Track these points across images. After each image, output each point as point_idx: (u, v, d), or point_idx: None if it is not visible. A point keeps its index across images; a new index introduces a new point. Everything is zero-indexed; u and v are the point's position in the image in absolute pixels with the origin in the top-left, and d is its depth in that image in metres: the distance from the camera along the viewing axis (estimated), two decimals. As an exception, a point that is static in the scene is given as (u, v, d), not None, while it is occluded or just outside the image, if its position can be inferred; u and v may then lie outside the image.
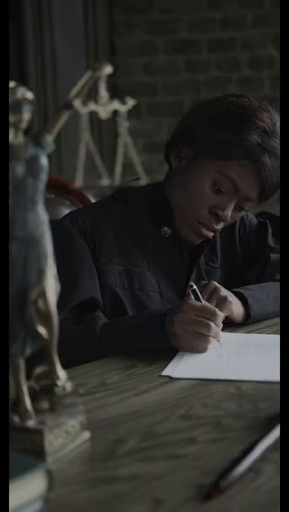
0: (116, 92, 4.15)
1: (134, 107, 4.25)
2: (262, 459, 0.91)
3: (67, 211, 1.71)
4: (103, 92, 0.83)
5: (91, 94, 0.86)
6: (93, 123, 3.64)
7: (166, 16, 4.20)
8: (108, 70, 0.84)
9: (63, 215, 1.63)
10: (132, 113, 4.24)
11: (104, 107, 0.92)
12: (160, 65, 4.24)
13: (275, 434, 0.94)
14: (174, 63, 4.24)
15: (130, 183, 0.95)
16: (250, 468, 0.89)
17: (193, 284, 1.37)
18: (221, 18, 4.21)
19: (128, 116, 4.21)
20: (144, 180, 0.91)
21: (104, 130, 3.96)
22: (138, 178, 0.91)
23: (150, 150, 4.14)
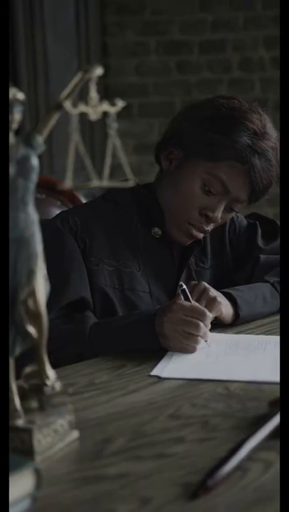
0: (107, 92, 4.15)
1: (125, 108, 4.25)
2: (249, 458, 0.92)
3: (57, 211, 1.71)
4: (93, 94, 0.83)
5: (82, 95, 0.87)
6: (85, 124, 3.66)
7: (158, 17, 4.20)
8: (99, 71, 0.85)
9: (54, 215, 1.63)
10: (123, 114, 4.25)
11: (94, 108, 0.91)
12: (151, 66, 4.25)
13: (263, 433, 0.95)
14: (165, 64, 4.25)
15: (119, 184, 0.95)
16: (238, 467, 0.90)
17: (183, 284, 1.38)
18: (213, 19, 4.22)
19: (119, 117, 4.22)
20: (132, 182, 0.91)
21: (95, 131, 3.97)
22: (126, 180, 0.91)
23: (141, 151, 4.15)
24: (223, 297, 1.49)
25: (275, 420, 0.98)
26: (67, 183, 0.80)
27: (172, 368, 1.29)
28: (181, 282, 1.40)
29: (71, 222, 1.53)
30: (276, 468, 0.91)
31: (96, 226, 1.55)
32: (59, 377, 1.01)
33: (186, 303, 1.35)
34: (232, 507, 0.83)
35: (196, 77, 4.23)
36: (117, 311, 1.51)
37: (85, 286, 1.48)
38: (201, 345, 1.35)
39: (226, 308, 1.48)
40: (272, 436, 0.97)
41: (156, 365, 1.30)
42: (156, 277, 1.59)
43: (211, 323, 1.41)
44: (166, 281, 1.59)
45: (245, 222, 1.74)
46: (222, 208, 1.54)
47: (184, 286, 1.38)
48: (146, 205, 1.59)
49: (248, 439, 0.93)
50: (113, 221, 1.58)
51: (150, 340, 1.34)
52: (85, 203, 1.77)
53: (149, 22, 4.21)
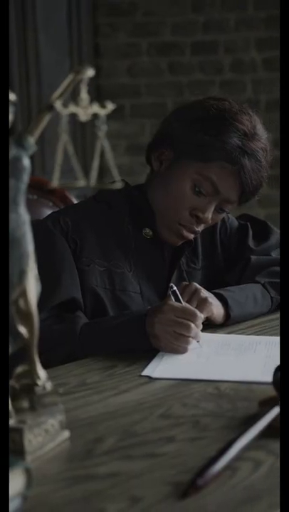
0: (99, 93, 4.16)
1: (117, 109, 4.26)
2: (239, 457, 0.93)
3: (49, 212, 1.71)
4: (84, 95, 0.84)
5: (73, 96, 0.87)
6: (77, 125, 3.65)
7: (150, 18, 4.21)
8: (90, 72, 0.86)
9: (45, 215, 1.64)
10: (115, 115, 4.26)
11: (85, 109, 0.91)
12: (143, 67, 4.26)
13: (252, 433, 0.96)
14: (157, 65, 4.26)
15: (106, 186, 0.96)
16: (227, 467, 0.90)
17: (173, 286, 1.38)
18: (204, 21, 4.23)
19: (111, 118, 4.22)
20: (119, 184, 0.92)
21: (87, 132, 3.97)
22: (114, 182, 0.92)
23: (133, 152, 4.15)
24: (214, 298, 1.50)
25: (265, 420, 0.98)
26: (54, 183, 0.80)
27: (163, 368, 1.29)
28: (171, 284, 1.40)
29: (62, 223, 1.53)
30: (265, 467, 0.92)
31: (87, 227, 1.55)
32: (50, 378, 1.02)
33: (177, 304, 1.36)
34: (222, 506, 0.84)
35: (187, 78, 4.24)
36: (108, 311, 1.52)
37: (76, 287, 1.48)
38: (193, 345, 1.36)
39: (217, 309, 1.49)
40: (261, 435, 0.97)
41: (147, 365, 1.30)
42: (148, 278, 1.59)
43: (203, 323, 1.42)
44: (157, 282, 1.60)
45: (236, 223, 1.75)
46: (212, 208, 1.54)
47: (175, 288, 1.38)
48: (137, 206, 1.60)
49: (238, 439, 0.93)
50: (104, 222, 1.58)
51: (141, 341, 1.35)
52: (76, 204, 1.77)
53: (140, 23, 4.22)
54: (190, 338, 1.34)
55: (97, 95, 4.13)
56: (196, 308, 1.43)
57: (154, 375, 1.26)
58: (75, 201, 1.93)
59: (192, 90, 4.11)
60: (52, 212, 1.64)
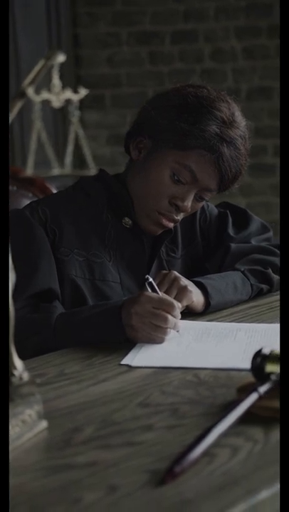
0: (80, 84, 4.14)
1: (98, 99, 4.24)
2: (217, 443, 0.93)
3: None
4: (56, 81, 0.83)
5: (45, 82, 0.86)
6: (56, 113, 3.63)
7: (129, 7, 4.19)
8: (61, 58, 0.85)
9: (24, 206, 1.62)
10: (96, 105, 4.24)
11: (57, 95, 0.92)
12: (123, 57, 4.24)
13: (230, 419, 0.96)
14: (137, 55, 4.24)
15: (80, 173, 0.95)
16: (205, 453, 0.90)
17: (149, 277, 1.37)
18: (184, 9, 4.22)
19: (92, 108, 4.20)
20: (94, 170, 0.91)
21: (66, 120, 3.94)
22: (88, 168, 0.91)
23: (114, 142, 4.14)
24: (194, 286, 1.49)
25: (243, 406, 0.98)
26: (28, 171, 0.79)
27: (143, 356, 1.29)
28: (147, 276, 1.39)
29: (40, 212, 1.52)
30: (243, 453, 0.92)
31: (66, 216, 1.54)
32: (29, 368, 1.02)
33: (154, 294, 1.35)
34: (199, 492, 0.84)
35: (168, 68, 4.23)
36: (87, 301, 1.51)
37: (54, 277, 1.47)
38: (172, 334, 1.35)
39: (196, 297, 1.49)
40: (240, 421, 0.97)
41: (126, 354, 1.30)
42: (127, 267, 1.58)
43: (183, 312, 1.41)
44: (137, 271, 1.59)
45: (216, 211, 1.75)
46: (191, 197, 1.54)
47: (151, 279, 1.37)
48: (116, 195, 1.59)
49: (216, 425, 0.93)
50: (83, 211, 1.57)
51: (116, 332, 1.34)
52: (55, 193, 1.76)
53: (120, 12, 4.20)
54: (167, 329, 1.33)
55: (78, 86, 4.11)
56: (175, 296, 1.43)
57: (134, 363, 1.26)
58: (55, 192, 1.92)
59: (173, 80, 4.10)
60: (30, 202, 1.62)
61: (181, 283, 1.45)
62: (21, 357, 1.00)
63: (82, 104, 4.11)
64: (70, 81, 3.70)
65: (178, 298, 1.42)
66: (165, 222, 1.56)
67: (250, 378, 1.08)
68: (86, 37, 4.19)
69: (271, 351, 1.07)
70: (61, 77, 3.92)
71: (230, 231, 1.72)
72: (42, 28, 3.92)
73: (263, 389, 1.02)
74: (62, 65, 3.75)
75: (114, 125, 4.18)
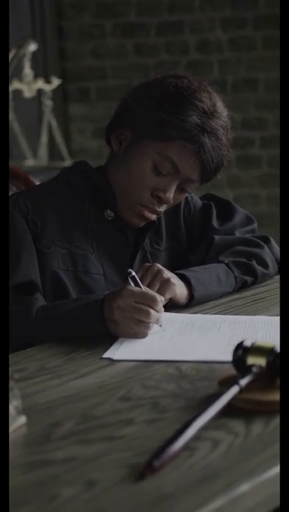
0: (65, 76, 4.11)
1: (84, 92, 4.21)
2: (197, 437, 0.92)
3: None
4: (27, 70, 0.81)
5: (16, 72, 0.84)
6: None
7: (114, -2, 4.17)
8: (32, 47, 0.83)
9: (5, 199, 1.61)
10: (81, 98, 4.21)
11: (29, 85, 0.91)
12: (108, 49, 4.21)
13: (210, 413, 0.95)
14: (122, 47, 4.22)
15: (55, 164, 0.93)
16: (186, 447, 0.89)
17: (132, 271, 1.36)
18: (169, 1, 4.19)
19: (77, 101, 4.18)
20: (68, 162, 0.89)
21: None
22: (63, 159, 0.90)
23: (100, 135, 4.10)
24: (177, 278, 1.48)
25: (224, 399, 0.97)
26: None
27: (125, 350, 1.28)
28: (130, 269, 1.37)
29: (22, 204, 1.51)
30: (224, 446, 0.91)
31: (48, 208, 1.53)
32: (10, 363, 1.00)
33: (136, 288, 1.33)
34: (179, 486, 0.83)
35: (153, 60, 4.21)
36: (70, 294, 1.49)
37: (35, 269, 1.46)
38: (155, 329, 1.34)
39: (180, 290, 1.48)
40: (220, 414, 0.96)
41: (109, 348, 1.28)
42: (111, 259, 1.57)
43: (166, 304, 1.40)
44: (120, 264, 1.58)
45: (200, 203, 1.74)
46: (174, 188, 1.52)
47: (133, 273, 1.36)
48: (98, 188, 1.58)
49: (196, 419, 0.92)
50: (65, 203, 1.56)
51: (98, 326, 1.32)
52: (37, 185, 1.74)
53: (104, 4, 4.17)
54: (150, 324, 1.32)
55: (62, 78, 4.08)
56: (158, 289, 1.41)
57: (116, 357, 1.25)
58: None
59: (159, 71, 4.08)
60: (12, 194, 1.60)
61: (164, 276, 1.44)
62: None
63: (68, 97, 4.08)
64: (56, 74, 3.66)
65: (161, 291, 1.41)
66: (147, 214, 1.54)
67: (232, 371, 1.07)
68: (70, 29, 4.16)
69: (252, 344, 1.06)
70: (46, 70, 3.89)
71: (215, 223, 1.71)
72: (26, 20, 3.89)
73: (244, 381, 1.01)
74: (47, 58, 3.72)
75: (100, 118, 4.16)
